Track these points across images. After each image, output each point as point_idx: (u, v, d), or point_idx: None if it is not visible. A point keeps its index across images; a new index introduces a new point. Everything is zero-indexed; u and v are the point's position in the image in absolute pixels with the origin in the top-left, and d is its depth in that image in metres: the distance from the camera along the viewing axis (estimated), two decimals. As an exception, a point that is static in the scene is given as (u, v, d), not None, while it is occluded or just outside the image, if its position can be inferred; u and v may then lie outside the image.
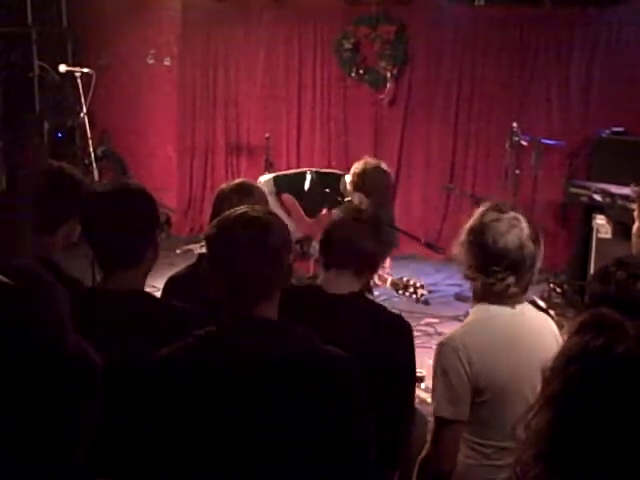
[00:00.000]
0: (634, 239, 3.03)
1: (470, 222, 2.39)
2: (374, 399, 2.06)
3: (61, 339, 1.06)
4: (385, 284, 4.40)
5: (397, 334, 2.62)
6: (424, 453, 2.36)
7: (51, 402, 1.04)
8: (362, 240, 2.60)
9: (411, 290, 4.30)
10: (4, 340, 1.01)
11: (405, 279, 4.35)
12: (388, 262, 4.53)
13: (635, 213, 3.04)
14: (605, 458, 1.09)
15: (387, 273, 4.46)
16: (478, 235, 2.33)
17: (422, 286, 4.30)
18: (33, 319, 1.03)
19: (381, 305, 2.84)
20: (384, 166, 4.48)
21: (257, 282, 1.93)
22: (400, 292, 4.36)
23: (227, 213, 2.02)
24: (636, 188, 3.71)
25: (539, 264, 2.36)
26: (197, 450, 1.86)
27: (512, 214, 2.35)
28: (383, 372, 2.44)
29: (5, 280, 1.12)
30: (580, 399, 1.12)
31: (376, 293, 5.22)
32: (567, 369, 1.15)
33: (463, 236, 2.39)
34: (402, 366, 2.61)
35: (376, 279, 4.27)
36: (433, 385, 2.37)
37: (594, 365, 1.13)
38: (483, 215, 2.37)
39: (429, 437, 2.38)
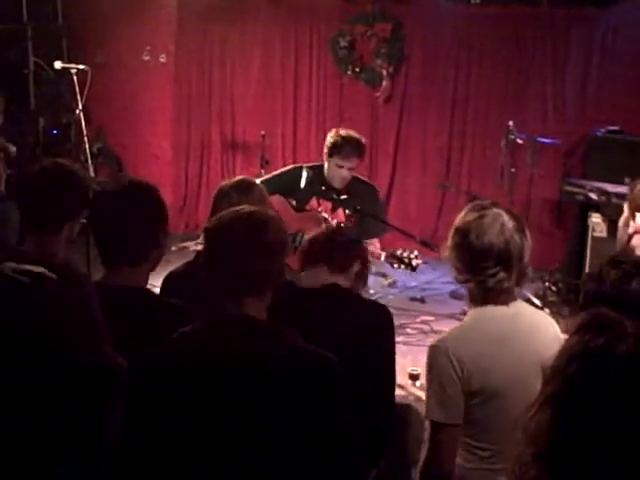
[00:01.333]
0: (620, 230, 3.03)
1: (454, 224, 2.39)
2: (354, 386, 2.06)
3: (90, 343, 1.06)
4: (380, 259, 4.51)
5: (373, 317, 2.68)
6: (424, 456, 2.35)
7: (75, 405, 1.04)
8: None
9: (406, 262, 4.39)
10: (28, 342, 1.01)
11: (399, 252, 4.44)
12: (377, 244, 4.68)
13: (625, 205, 3.05)
14: (605, 457, 1.10)
15: (378, 249, 4.56)
16: (462, 236, 2.32)
17: (417, 256, 4.40)
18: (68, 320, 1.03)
19: (355, 292, 2.88)
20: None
21: (249, 279, 1.93)
22: (396, 266, 4.47)
23: (230, 210, 2.02)
24: (632, 183, 3.73)
25: (528, 256, 2.34)
26: (177, 447, 1.85)
27: (494, 210, 2.33)
28: (361, 356, 2.45)
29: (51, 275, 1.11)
30: (581, 398, 1.13)
31: (371, 291, 5.26)
32: (568, 368, 1.16)
33: (449, 239, 2.38)
34: (382, 348, 2.65)
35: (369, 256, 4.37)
36: (426, 387, 2.36)
37: (595, 364, 1.14)
38: (465, 216, 2.36)
39: (426, 439, 2.38)
